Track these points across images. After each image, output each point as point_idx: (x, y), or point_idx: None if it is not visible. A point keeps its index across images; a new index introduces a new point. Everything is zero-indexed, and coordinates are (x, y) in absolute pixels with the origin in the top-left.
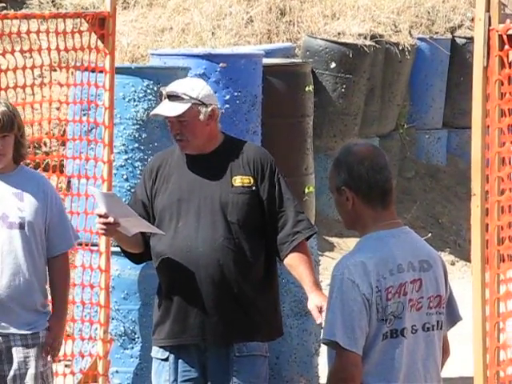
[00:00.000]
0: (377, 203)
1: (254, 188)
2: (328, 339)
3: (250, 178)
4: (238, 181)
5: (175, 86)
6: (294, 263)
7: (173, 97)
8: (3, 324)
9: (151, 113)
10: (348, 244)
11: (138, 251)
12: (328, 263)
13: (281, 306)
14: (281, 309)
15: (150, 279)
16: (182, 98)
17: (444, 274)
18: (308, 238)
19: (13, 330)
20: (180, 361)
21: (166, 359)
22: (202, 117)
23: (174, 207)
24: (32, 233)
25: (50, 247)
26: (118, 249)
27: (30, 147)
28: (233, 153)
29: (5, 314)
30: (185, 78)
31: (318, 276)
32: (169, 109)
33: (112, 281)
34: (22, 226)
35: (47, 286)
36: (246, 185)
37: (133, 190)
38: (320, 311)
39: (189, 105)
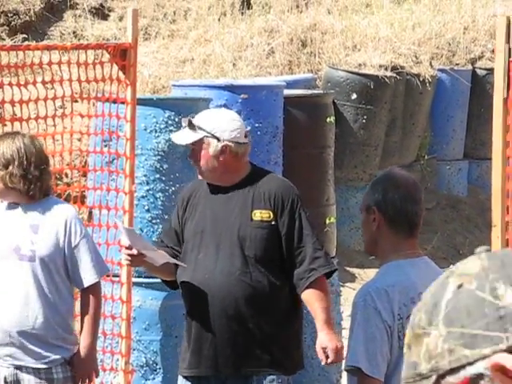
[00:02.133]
0: (401, 231)
1: (273, 223)
2: (351, 365)
3: (270, 212)
4: (258, 215)
5: (197, 116)
6: (309, 300)
7: (190, 125)
8: (16, 356)
9: (171, 136)
10: (369, 275)
11: (171, 279)
12: (349, 294)
13: (303, 336)
14: (302, 340)
15: (171, 310)
16: (195, 129)
17: None
18: (329, 275)
19: (24, 362)
20: None
21: None
22: (211, 150)
23: (197, 238)
24: (44, 266)
25: (74, 280)
26: (139, 279)
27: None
28: (255, 186)
29: (17, 346)
30: (215, 109)
31: (339, 307)
32: (181, 136)
33: (133, 311)
34: (32, 259)
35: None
36: (265, 219)
37: (154, 221)
38: (325, 352)
39: (199, 136)
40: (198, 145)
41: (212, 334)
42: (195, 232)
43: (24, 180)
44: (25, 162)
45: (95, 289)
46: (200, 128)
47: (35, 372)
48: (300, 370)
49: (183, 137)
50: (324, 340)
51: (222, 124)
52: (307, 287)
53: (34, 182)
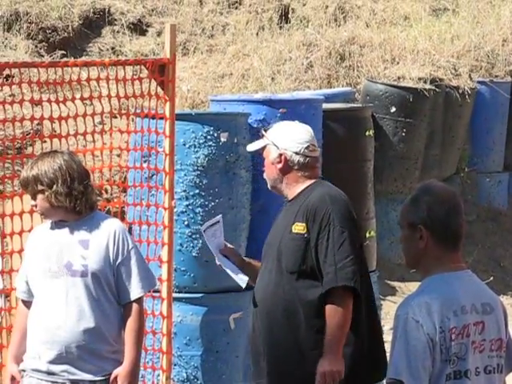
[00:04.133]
0: (449, 246)
1: (305, 235)
2: (394, 378)
3: (305, 225)
4: (295, 228)
5: (270, 127)
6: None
7: (261, 135)
8: (71, 371)
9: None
10: (410, 288)
11: None
12: (390, 308)
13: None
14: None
15: (211, 325)
16: (263, 137)
17: (504, 317)
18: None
19: (80, 377)
20: None
21: None
22: (271, 157)
23: (264, 250)
24: (96, 280)
25: (120, 294)
26: (179, 295)
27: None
28: (304, 199)
29: (72, 360)
30: (290, 122)
31: (380, 320)
32: (251, 144)
33: (174, 327)
34: (84, 274)
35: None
36: (299, 232)
37: (193, 236)
38: (323, 378)
39: (264, 143)
40: (263, 152)
41: (257, 347)
42: (265, 244)
43: (70, 197)
44: (68, 179)
45: (140, 303)
46: (265, 136)
47: None
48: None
49: (253, 145)
50: (322, 365)
51: (284, 133)
52: (326, 303)
53: (80, 198)
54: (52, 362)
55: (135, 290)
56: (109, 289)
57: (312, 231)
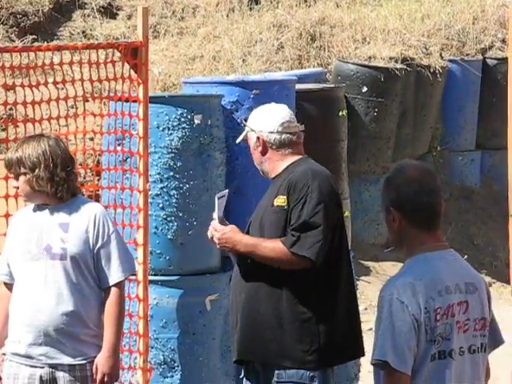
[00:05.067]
0: (423, 225)
1: (285, 207)
2: (378, 359)
3: (285, 197)
4: (277, 201)
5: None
6: None
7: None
8: (50, 355)
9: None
10: (383, 268)
11: None
12: (364, 287)
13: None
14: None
15: (188, 307)
16: (244, 125)
17: (488, 297)
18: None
19: (59, 361)
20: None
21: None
22: (251, 142)
23: (249, 226)
24: (75, 263)
25: (100, 278)
26: (155, 277)
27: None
28: (288, 174)
29: (51, 344)
30: (266, 105)
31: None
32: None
33: (150, 310)
34: (63, 257)
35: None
36: (280, 204)
37: (168, 219)
38: None
39: (245, 131)
40: (247, 140)
41: (234, 321)
42: (250, 220)
43: (51, 182)
44: (51, 165)
45: (120, 287)
46: (245, 125)
47: (70, 369)
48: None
49: (239, 137)
50: None
51: (258, 116)
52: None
53: (62, 184)
54: (31, 344)
55: (115, 274)
56: (88, 272)
57: (291, 203)
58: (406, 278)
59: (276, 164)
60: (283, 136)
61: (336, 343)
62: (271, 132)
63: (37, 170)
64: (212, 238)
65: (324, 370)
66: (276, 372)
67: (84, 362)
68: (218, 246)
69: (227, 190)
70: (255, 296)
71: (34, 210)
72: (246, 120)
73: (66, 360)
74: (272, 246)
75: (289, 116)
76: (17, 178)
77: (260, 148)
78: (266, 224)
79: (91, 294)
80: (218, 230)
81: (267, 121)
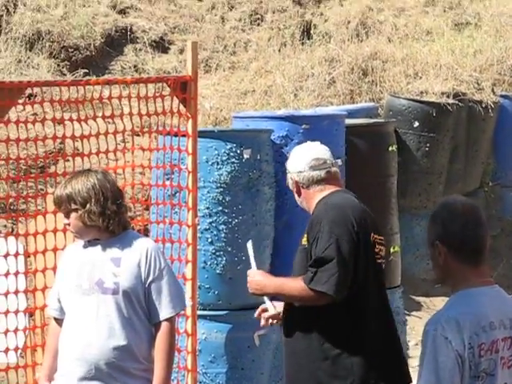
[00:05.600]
0: (468, 260)
1: (306, 246)
2: None
3: (306, 236)
4: (303, 240)
5: None
6: None
7: None
8: None
9: None
10: (435, 303)
11: None
12: (415, 323)
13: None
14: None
15: (236, 342)
16: None
17: None
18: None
19: None
20: None
21: None
22: (289, 184)
23: None
24: (127, 298)
25: (151, 313)
26: (204, 312)
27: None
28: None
29: (101, 378)
30: (302, 145)
31: (405, 336)
32: None
33: (199, 344)
34: (115, 292)
35: None
36: (304, 244)
37: (217, 254)
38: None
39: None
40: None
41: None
42: None
43: (103, 217)
44: (101, 199)
45: (171, 322)
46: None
47: None
48: None
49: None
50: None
51: (291, 158)
52: None
53: (113, 218)
54: (82, 378)
55: (165, 309)
56: (140, 307)
57: (310, 241)
58: (450, 314)
59: (310, 202)
60: (311, 173)
61: (373, 375)
62: (300, 172)
63: (88, 205)
64: None
65: None
66: None
67: None
68: (249, 291)
69: (250, 240)
70: (292, 336)
71: (85, 245)
72: None
73: None
74: (294, 285)
75: (318, 153)
76: (67, 214)
77: (295, 189)
78: (295, 263)
79: (142, 328)
80: (249, 275)
81: (297, 161)
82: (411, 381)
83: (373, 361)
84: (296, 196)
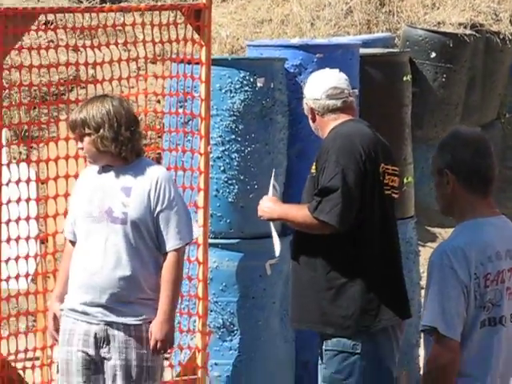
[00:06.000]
0: (477, 190)
1: (314, 174)
2: (427, 325)
3: (315, 164)
4: (312, 168)
5: None
6: None
7: None
8: (107, 313)
9: None
10: (449, 234)
11: None
12: (429, 254)
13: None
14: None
15: (248, 271)
16: None
17: None
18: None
19: (114, 319)
20: None
21: None
22: (305, 110)
23: None
24: (135, 228)
25: (160, 243)
26: (215, 241)
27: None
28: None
29: (107, 306)
30: (320, 71)
31: (419, 267)
32: None
33: (210, 273)
34: (124, 222)
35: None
36: (313, 172)
37: (230, 182)
38: None
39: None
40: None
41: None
42: None
43: (116, 142)
44: (115, 125)
45: (178, 253)
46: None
47: (125, 328)
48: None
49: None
50: None
51: (308, 84)
52: None
53: (126, 144)
54: (87, 303)
55: (173, 240)
56: (150, 237)
57: (318, 169)
58: (456, 243)
59: (324, 130)
60: (327, 102)
61: (374, 306)
62: (316, 99)
63: (101, 130)
64: None
65: (369, 338)
66: (323, 340)
67: (140, 322)
68: (258, 215)
69: (274, 171)
70: (297, 265)
71: (99, 172)
72: None
73: (122, 319)
74: (299, 212)
75: (336, 82)
76: (81, 139)
77: (310, 115)
78: (304, 191)
79: (150, 258)
80: (261, 200)
81: (314, 88)
82: (410, 316)
83: (375, 292)
84: (311, 122)
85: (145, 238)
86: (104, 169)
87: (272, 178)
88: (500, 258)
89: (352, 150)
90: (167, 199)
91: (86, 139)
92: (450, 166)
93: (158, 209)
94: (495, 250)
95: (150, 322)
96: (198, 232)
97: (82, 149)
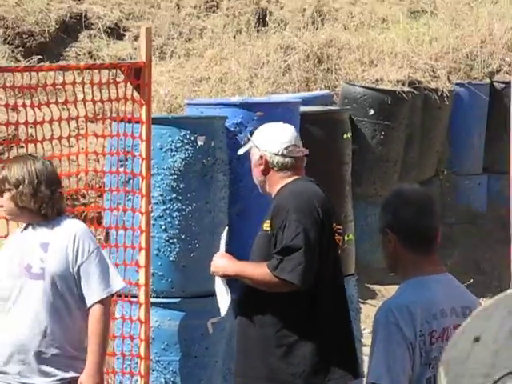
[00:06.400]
0: (418, 249)
1: (269, 232)
2: (374, 383)
3: (270, 221)
4: (264, 225)
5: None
6: None
7: (248, 138)
8: (24, 374)
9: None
10: (389, 291)
11: None
12: (370, 311)
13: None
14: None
15: (189, 330)
16: (248, 140)
17: None
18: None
19: (32, 380)
20: None
21: None
22: (254, 159)
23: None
24: (53, 284)
25: (84, 296)
26: (157, 300)
27: (67, 199)
28: (277, 198)
29: (26, 364)
30: (275, 123)
31: (359, 324)
32: (241, 148)
33: (152, 332)
34: (42, 277)
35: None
36: (265, 228)
37: (171, 241)
38: None
39: (249, 146)
40: (250, 154)
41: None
42: None
43: (35, 198)
44: (35, 181)
45: (101, 306)
46: (249, 139)
47: None
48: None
49: (241, 148)
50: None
51: (265, 135)
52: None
53: (46, 202)
54: (6, 362)
55: (96, 292)
56: (70, 293)
57: (273, 228)
58: (401, 301)
59: (273, 186)
60: (286, 159)
61: (324, 366)
62: (275, 154)
63: (21, 186)
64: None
65: None
66: None
67: (57, 383)
68: (210, 271)
69: (227, 228)
70: (244, 320)
71: (22, 230)
72: (251, 134)
73: (38, 380)
74: (258, 270)
75: (294, 139)
76: (1, 195)
77: (262, 167)
78: (255, 248)
79: (70, 315)
80: (214, 257)
81: (273, 142)
82: (361, 375)
83: (327, 351)
84: (258, 173)
85: (64, 294)
86: (26, 226)
87: (225, 234)
88: (445, 315)
89: (311, 209)
90: (86, 252)
91: (6, 195)
92: (391, 226)
93: (78, 262)
94: (440, 308)
95: (69, 382)
96: (122, 283)
97: (2, 206)
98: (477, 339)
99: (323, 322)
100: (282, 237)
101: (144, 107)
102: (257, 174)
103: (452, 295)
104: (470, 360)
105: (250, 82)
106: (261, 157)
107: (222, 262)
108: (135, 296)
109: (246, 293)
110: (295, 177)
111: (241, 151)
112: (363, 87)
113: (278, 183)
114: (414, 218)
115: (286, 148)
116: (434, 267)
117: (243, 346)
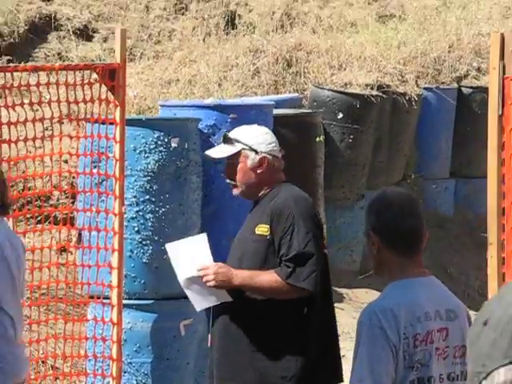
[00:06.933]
0: (401, 251)
1: (268, 237)
2: None
3: (268, 226)
4: (258, 229)
5: (233, 131)
6: None
7: (227, 140)
8: None
9: (205, 152)
10: (357, 295)
11: None
12: (337, 314)
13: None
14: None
15: (162, 332)
16: (233, 142)
17: (469, 324)
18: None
19: None
20: None
21: None
22: (249, 162)
23: (230, 251)
24: None
25: None
26: (129, 301)
27: (37, 200)
28: (268, 201)
29: None
30: (250, 125)
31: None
32: (217, 151)
33: (124, 334)
34: None
35: None
36: (262, 233)
37: (144, 243)
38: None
39: (238, 149)
40: (235, 158)
41: (212, 350)
42: (231, 245)
43: None
44: None
45: None
46: (238, 141)
47: None
48: None
49: (220, 151)
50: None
51: (259, 137)
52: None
53: None
54: None
55: None
56: None
57: (276, 233)
58: (385, 304)
59: (262, 187)
60: (280, 161)
61: (313, 369)
62: (275, 156)
63: None
64: (204, 280)
65: None
66: None
67: None
68: (212, 284)
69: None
70: (232, 325)
71: None
72: (226, 137)
73: None
74: (267, 278)
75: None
76: None
77: (261, 169)
78: (246, 253)
79: None
80: (210, 267)
81: (270, 144)
82: (342, 380)
83: (317, 356)
84: (251, 176)
85: None
86: None
87: (206, 242)
88: (429, 318)
89: (311, 214)
90: None
91: None
92: (374, 228)
93: None
94: (424, 311)
95: None
96: None
97: None
98: (485, 323)
99: (312, 328)
100: (289, 243)
101: (118, 108)
102: (249, 177)
103: (437, 298)
104: (478, 343)
105: (219, 85)
106: (261, 159)
107: (225, 271)
108: (107, 298)
109: (234, 297)
110: (282, 180)
111: (223, 155)
112: (332, 91)
113: (266, 184)
114: (397, 220)
115: (280, 150)
116: (419, 270)
117: (226, 349)
